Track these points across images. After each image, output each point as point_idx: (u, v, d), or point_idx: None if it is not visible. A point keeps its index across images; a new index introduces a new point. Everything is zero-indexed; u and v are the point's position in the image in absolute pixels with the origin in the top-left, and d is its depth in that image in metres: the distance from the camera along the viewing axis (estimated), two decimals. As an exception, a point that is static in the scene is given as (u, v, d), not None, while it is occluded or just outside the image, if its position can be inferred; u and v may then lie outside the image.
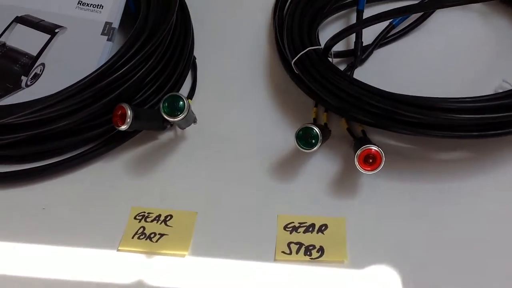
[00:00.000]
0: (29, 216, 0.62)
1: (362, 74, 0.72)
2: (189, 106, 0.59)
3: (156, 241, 0.59)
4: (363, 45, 0.73)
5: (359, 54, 0.72)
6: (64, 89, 0.62)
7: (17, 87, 0.70)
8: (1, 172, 0.64)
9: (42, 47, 0.72)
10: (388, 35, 0.76)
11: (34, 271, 0.58)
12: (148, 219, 0.61)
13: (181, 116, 0.59)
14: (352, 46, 0.73)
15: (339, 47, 0.74)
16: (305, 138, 0.60)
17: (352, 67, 0.71)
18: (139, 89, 0.68)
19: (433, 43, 0.77)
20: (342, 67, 0.72)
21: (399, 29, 0.77)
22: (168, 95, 0.59)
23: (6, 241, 0.60)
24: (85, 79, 0.62)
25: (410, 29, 0.77)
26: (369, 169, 0.58)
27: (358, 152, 0.58)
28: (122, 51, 0.65)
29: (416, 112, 0.58)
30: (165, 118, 0.60)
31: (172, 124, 0.68)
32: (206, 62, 0.75)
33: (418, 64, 0.74)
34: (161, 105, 0.59)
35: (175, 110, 0.59)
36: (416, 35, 0.77)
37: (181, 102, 0.59)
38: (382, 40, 0.75)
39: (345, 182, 0.63)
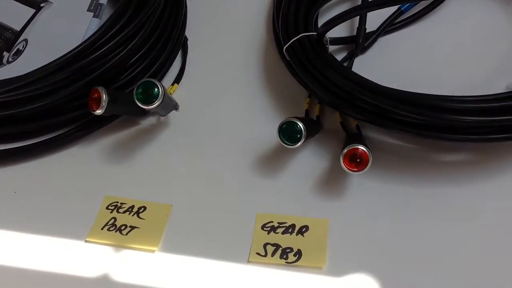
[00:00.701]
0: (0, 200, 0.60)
1: (363, 63, 0.67)
2: (164, 93, 0.55)
3: (126, 234, 0.56)
4: (367, 31, 0.68)
5: (361, 42, 0.66)
6: (40, 68, 0.59)
7: (-2, 63, 0.67)
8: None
9: (26, 22, 0.69)
10: (396, 21, 0.70)
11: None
12: (120, 210, 0.58)
13: (156, 104, 0.55)
14: (355, 32, 0.68)
15: (340, 32, 0.69)
16: (289, 133, 0.55)
17: (352, 55, 0.66)
18: (123, 71, 0.64)
19: (444, 33, 0.70)
20: (341, 55, 0.67)
21: (408, 15, 0.70)
22: (142, 81, 0.55)
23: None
24: (62, 57, 0.59)
25: (420, 16, 0.70)
26: (355, 169, 0.54)
27: (344, 150, 0.54)
28: (103, 28, 0.61)
29: (411, 111, 0.53)
30: (140, 105, 0.57)
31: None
32: (198, 44, 0.71)
33: (426, 55, 0.68)
34: (134, 92, 0.55)
35: (149, 97, 0.55)
36: (426, 23, 0.71)
37: (155, 89, 0.55)
38: (388, 26, 0.69)
39: (332, 181, 0.58)
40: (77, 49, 0.59)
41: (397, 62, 0.67)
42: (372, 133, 0.61)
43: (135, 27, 0.62)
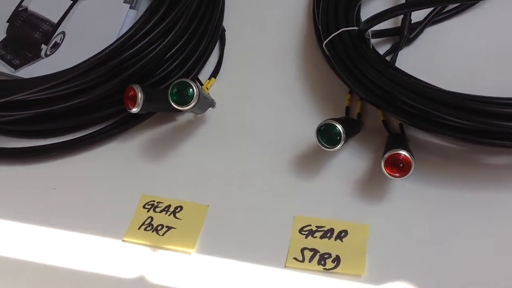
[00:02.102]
0: (39, 196, 0.60)
1: (407, 56, 0.64)
2: (199, 93, 0.54)
3: (163, 235, 0.56)
4: (412, 22, 0.64)
5: (406, 34, 0.63)
6: (77, 65, 0.58)
7: (36, 56, 0.67)
8: (11, 148, 0.62)
9: (64, 14, 0.68)
10: (444, 10, 0.66)
11: (36, 255, 0.56)
12: (157, 209, 0.57)
13: (191, 105, 0.54)
14: (399, 23, 0.65)
15: (383, 24, 0.66)
16: (328, 135, 0.54)
17: (396, 48, 0.63)
18: (159, 66, 0.63)
19: (498, 23, 0.65)
20: (384, 48, 0.64)
21: (457, 4, 0.66)
22: (176, 81, 0.54)
23: (12, 220, 0.58)
24: (99, 55, 0.58)
25: (471, 4, 0.67)
26: (397, 175, 0.52)
27: (386, 155, 0.51)
28: (138, 24, 0.60)
29: (456, 116, 0.51)
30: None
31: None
32: (235, 36, 0.69)
33: (476, 47, 0.64)
34: (168, 92, 0.54)
35: (184, 97, 0.54)
36: (477, 13, 0.67)
37: (190, 90, 0.54)
38: (436, 16, 0.66)
39: (373, 184, 0.56)
40: (113, 46, 0.58)
41: (444, 55, 0.64)
42: (416, 133, 0.58)
43: (172, 20, 0.61)
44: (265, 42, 0.68)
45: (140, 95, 0.56)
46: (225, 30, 0.69)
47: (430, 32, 0.66)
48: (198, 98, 0.54)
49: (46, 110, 0.59)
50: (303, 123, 0.61)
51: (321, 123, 0.54)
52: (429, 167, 0.56)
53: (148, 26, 0.59)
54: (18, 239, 0.57)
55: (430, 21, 0.65)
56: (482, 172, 0.56)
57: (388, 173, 0.52)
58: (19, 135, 0.63)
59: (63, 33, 0.67)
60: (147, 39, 0.59)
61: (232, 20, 0.70)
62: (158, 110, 0.62)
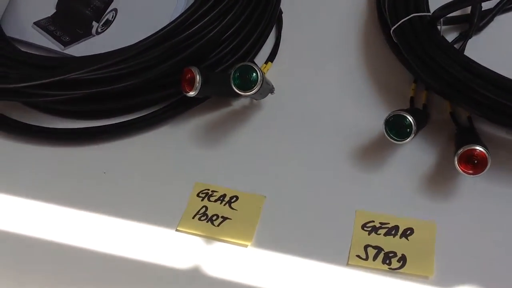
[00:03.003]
0: (88, 180, 0.58)
1: (476, 45, 0.60)
2: (263, 79, 0.51)
3: (218, 225, 0.53)
4: (482, 9, 0.61)
5: (476, 22, 0.60)
6: (133, 45, 0.55)
7: (87, 33, 0.64)
8: (59, 129, 0.60)
9: (117, -11, 0.65)
10: (516, -3, 0.63)
11: (87, 241, 0.54)
12: (211, 198, 0.55)
13: (254, 90, 0.51)
14: (467, 10, 0.61)
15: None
16: (396, 127, 0.51)
17: (465, 37, 0.60)
18: (214, 47, 0.60)
19: None
20: (452, 36, 0.61)
21: (530, -8, 0.63)
22: (240, 64, 0.51)
23: (61, 204, 0.56)
24: (156, 34, 0.55)
25: (544, -8, 0.63)
26: (471, 172, 0.49)
27: (460, 151, 0.48)
28: (197, 3, 0.57)
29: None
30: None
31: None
32: (293, 18, 0.66)
33: None
34: (231, 76, 0.52)
35: (247, 82, 0.51)
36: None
37: (254, 74, 0.51)
38: (508, 4, 0.62)
39: (440, 179, 0.53)
40: (170, 26, 0.55)
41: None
42: (485, 126, 0.55)
43: (231, 1, 0.58)
44: (323, 27, 0.65)
45: (198, 77, 0.53)
46: (282, 12, 0.66)
47: (500, 20, 0.63)
48: (262, 84, 0.51)
49: (98, 90, 0.57)
50: (365, 113, 0.58)
51: (389, 114, 0.51)
52: (501, 164, 0.53)
53: (207, 6, 0.57)
54: (68, 225, 0.55)
55: (501, 9, 0.62)
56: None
57: (462, 170, 0.49)
58: (68, 115, 0.61)
59: (115, 10, 0.64)
60: (205, 19, 0.56)
61: (290, 3, 0.67)
62: (216, 95, 0.60)
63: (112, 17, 0.64)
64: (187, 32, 0.56)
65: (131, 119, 0.60)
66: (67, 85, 0.56)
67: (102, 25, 0.64)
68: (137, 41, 0.57)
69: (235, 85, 0.52)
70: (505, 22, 0.62)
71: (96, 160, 0.59)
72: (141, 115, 0.60)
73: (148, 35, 0.58)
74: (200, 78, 0.53)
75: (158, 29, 0.60)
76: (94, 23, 0.64)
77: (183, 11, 0.63)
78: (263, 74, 0.51)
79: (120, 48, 0.56)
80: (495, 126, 0.55)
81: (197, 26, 0.56)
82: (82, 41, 0.64)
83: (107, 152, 0.59)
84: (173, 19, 0.62)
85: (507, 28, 0.62)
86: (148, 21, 0.63)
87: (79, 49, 0.64)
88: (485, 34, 0.62)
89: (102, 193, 0.57)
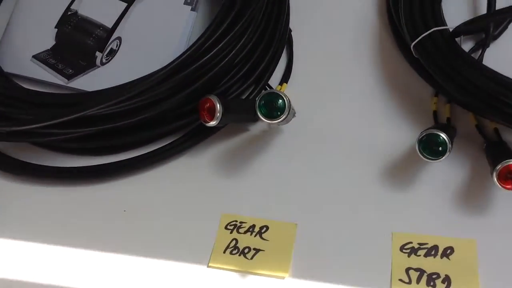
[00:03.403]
0: (108, 220, 0.55)
1: (493, 55, 0.59)
2: (290, 104, 0.50)
3: (251, 258, 0.51)
4: (495, 17, 0.60)
5: (491, 30, 0.59)
6: (145, 78, 0.53)
7: (91, 65, 0.62)
8: (75, 168, 0.57)
9: (118, 18, 0.63)
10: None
11: (115, 285, 0.51)
12: (240, 230, 0.53)
13: (282, 118, 0.50)
14: (480, 19, 0.61)
15: (463, 18, 0.62)
16: (429, 145, 0.50)
17: (482, 46, 0.59)
18: (226, 74, 0.58)
19: None
20: (467, 47, 0.60)
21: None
22: (264, 92, 0.50)
23: (83, 248, 0.53)
24: (170, 65, 0.53)
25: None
26: (509, 186, 0.48)
27: (498, 167, 0.47)
28: (211, 28, 0.55)
29: None
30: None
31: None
32: (303, 36, 0.64)
33: None
34: (256, 105, 0.50)
35: (273, 110, 0.50)
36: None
37: (280, 101, 0.50)
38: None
39: (474, 194, 0.53)
40: (186, 54, 0.53)
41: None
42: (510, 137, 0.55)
43: (245, 24, 0.56)
44: (334, 44, 0.63)
45: (218, 106, 0.51)
46: (291, 30, 0.64)
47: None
48: (290, 110, 0.49)
49: (113, 126, 0.54)
50: (389, 130, 0.57)
51: (421, 133, 0.50)
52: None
53: (220, 32, 0.55)
54: (93, 269, 0.52)
55: (513, 15, 0.61)
56: None
57: (502, 186, 0.48)
58: (82, 152, 0.58)
59: (119, 38, 0.62)
60: (221, 45, 0.54)
61: (298, 22, 0.65)
62: (236, 122, 0.58)
63: (116, 46, 0.62)
64: (202, 61, 0.54)
65: (147, 152, 0.57)
66: (81, 122, 0.54)
67: (107, 55, 0.61)
68: (143, 69, 0.55)
69: (261, 114, 0.50)
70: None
71: (114, 198, 0.56)
72: (158, 147, 0.57)
73: (155, 62, 0.57)
74: (221, 107, 0.51)
75: (165, 55, 0.58)
76: (97, 53, 0.62)
77: (189, 33, 0.62)
78: (289, 100, 0.50)
79: (135, 81, 0.53)
80: (522, 136, 0.54)
81: (211, 54, 0.54)
82: (86, 73, 0.61)
83: (125, 189, 0.57)
84: (181, 42, 0.61)
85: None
86: (155, 48, 0.61)
87: (84, 82, 0.61)
88: (501, 42, 0.61)
89: (124, 234, 0.54)
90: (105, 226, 0.55)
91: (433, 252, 0.50)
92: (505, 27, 0.60)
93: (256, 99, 0.50)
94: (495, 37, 0.61)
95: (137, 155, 0.57)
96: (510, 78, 0.51)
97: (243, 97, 0.59)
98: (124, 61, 0.61)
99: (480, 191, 0.53)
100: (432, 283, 0.48)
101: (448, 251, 0.50)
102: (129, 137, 0.57)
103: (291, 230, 0.53)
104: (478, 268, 0.48)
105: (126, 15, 0.62)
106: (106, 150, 0.58)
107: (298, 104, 0.58)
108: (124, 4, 0.63)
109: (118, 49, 0.62)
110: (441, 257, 0.50)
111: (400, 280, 0.49)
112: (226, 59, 0.56)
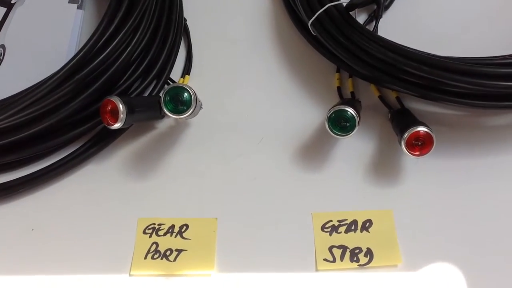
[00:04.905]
0: (16, 242, 0.51)
1: (386, 26, 0.60)
2: (196, 97, 0.48)
3: (174, 260, 0.50)
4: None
5: (383, 1, 0.60)
6: (43, 82, 0.50)
7: (-26, 78, 0.57)
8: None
9: (-2, 24, 0.58)
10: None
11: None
12: (160, 233, 0.51)
13: (190, 111, 0.48)
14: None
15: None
16: (338, 122, 0.50)
17: (376, 17, 0.60)
18: (124, 71, 0.56)
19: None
20: (361, 20, 0.61)
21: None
22: (169, 87, 0.48)
23: (-7, 275, 0.50)
24: (65, 68, 0.50)
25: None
26: (417, 153, 0.49)
27: (405, 135, 0.49)
28: (103, 25, 0.52)
29: (471, 83, 0.48)
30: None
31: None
32: (198, 26, 0.63)
33: (460, 8, 0.63)
34: (162, 101, 0.48)
35: (179, 104, 0.48)
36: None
37: (185, 94, 0.48)
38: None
39: (384, 166, 0.54)
40: (79, 55, 0.50)
41: (424, 20, 0.62)
42: (414, 103, 0.56)
43: (138, 16, 0.53)
44: (231, 30, 0.63)
45: (121, 107, 0.49)
46: (186, 20, 0.62)
47: (401, -4, 0.64)
48: (196, 102, 0.48)
49: (10, 140, 0.50)
50: (296, 111, 0.57)
51: (329, 111, 0.50)
52: (437, 138, 0.54)
53: (113, 27, 0.52)
54: (8, 297, 0.49)
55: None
56: (488, 134, 0.55)
57: (410, 153, 0.49)
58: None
59: (3, 46, 0.57)
60: (115, 42, 0.52)
61: (192, 10, 0.63)
62: (142, 121, 0.55)
63: (0, 55, 0.57)
64: (97, 60, 0.51)
65: (50, 164, 0.54)
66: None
67: (-9, 65, 0.57)
68: (34, 75, 0.51)
69: (168, 110, 0.48)
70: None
71: (19, 217, 0.52)
72: (60, 157, 0.54)
73: (46, 66, 0.53)
74: (124, 108, 0.49)
75: (56, 58, 0.55)
76: (-20, 64, 0.57)
77: (79, 33, 0.59)
78: (195, 92, 0.48)
79: (27, 89, 0.50)
80: (423, 102, 0.56)
81: (106, 52, 0.51)
82: (-30, 87, 0.56)
83: (30, 206, 0.53)
84: (71, 43, 0.58)
85: (413, 3, 0.63)
86: (44, 52, 0.57)
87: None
88: (392, 12, 0.62)
89: (36, 253, 0.51)
90: (14, 248, 0.51)
91: (353, 227, 0.51)
92: (395, -3, 0.62)
93: (160, 94, 0.48)
94: (387, 7, 0.62)
95: (39, 168, 0.54)
96: (405, 46, 0.52)
97: (146, 94, 0.57)
98: (12, 70, 0.57)
99: (391, 160, 0.54)
100: (355, 258, 0.49)
101: (367, 224, 0.51)
102: (28, 150, 0.53)
103: (212, 225, 0.51)
104: (398, 236, 0.50)
105: (6, 20, 0.58)
106: (4, 166, 0.54)
107: (203, 95, 0.56)
108: (3, 9, 0.58)
109: (3, 58, 0.57)
110: (361, 231, 0.50)
111: (325, 259, 0.49)
112: (123, 56, 0.53)
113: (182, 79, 0.59)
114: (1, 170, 0.54)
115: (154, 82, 0.58)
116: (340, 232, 0.51)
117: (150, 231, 0.51)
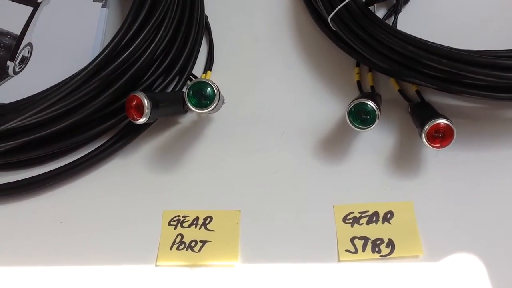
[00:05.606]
0: (45, 234, 0.53)
1: (405, 20, 0.61)
2: (219, 91, 0.49)
3: (199, 251, 0.51)
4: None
5: (401, -4, 0.61)
6: (69, 79, 0.51)
7: (3, 75, 0.59)
8: (3, 184, 0.54)
9: (26, 23, 0.60)
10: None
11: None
12: (184, 224, 0.53)
13: (213, 106, 0.49)
14: (388, -14, 0.63)
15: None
16: (359, 115, 0.51)
17: (395, 12, 0.61)
18: (148, 68, 0.57)
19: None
20: (380, 15, 0.61)
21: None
22: (192, 82, 0.49)
23: (22, 265, 0.51)
24: (91, 65, 0.51)
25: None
26: (438, 145, 0.50)
27: (426, 128, 0.49)
28: (127, 23, 0.53)
29: (490, 75, 0.49)
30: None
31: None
32: (219, 21, 0.64)
33: (478, 1, 0.63)
34: (186, 96, 0.49)
35: (202, 99, 0.49)
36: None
37: (208, 89, 0.49)
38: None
39: (405, 158, 0.54)
40: (104, 53, 0.51)
41: (445, 14, 0.62)
42: (434, 97, 0.57)
43: (160, 16, 0.55)
44: (252, 26, 0.64)
45: (146, 102, 0.50)
46: (207, 17, 0.63)
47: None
48: (219, 97, 0.49)
49: (38, 136, 0.52)
50: (317, 105, 0.58)
51: (350, 104, 0.50)
52: (457, 130, 0.54)
53: (137, 25, 0.53)
54: (41, 285, 0.50)
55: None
56: (510, 127, 0.55)
57: (431, 145, 0.50)
58: (7, 167, 0.55)
59: (30, 44, 0.59)
60: (139, 39, 0.53)
61: (212, 7, 0.64)
62: (166, 116, 0.56)
63: (28, 53, 0.59)
64: (122, 57, 0.52)
65: (77, 159, 0.55)
66: (2, 136, 0.51)
67: (19, 63, 0.58)
68: (61, 72, 0.53)
69: (192, 104, 0.49)
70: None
71: (48, 210, 0.54)
72: (87, 152, 0.56)
73: (72, 64, 0.54)
74: (149, 103, 0.50)
75: (82, 56, 0.57)
76: (9, 62, 0.59)
77: (103, 31, 0.60)
78: (217, 87, 0.49)
79: (55, 86, 0.51)
80: (443, 95, 0.56)
81: (131, 49, 0.52)
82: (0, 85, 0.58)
83: (58, 199, 0.54)
84: (96, 41, 0.59)
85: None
86: (69, 49, 0.59)
87: (-2, 94, 0.58)
88: (411, 7, 0.63)
89: (64, 245, 0.52)
90: (44, 240, 0.52)
91: (374, 219, 0.51)
92: (416, -9, 0.62)
93: (184, 90, 0.49)
94: (405, 2, 0.62)
95: (67, 162, 0.55)
96: (424, 40, 0.53)
97: (169, 89, 0.58)
98: (39, 67, 0.58)
99: (411, 153, 0.54)
100: (377, 249, 0.50)
101: (388, 215, 0.51)
102: (55, 145, 0.55)
103: (235, 217, 0.53)
104: (418, 228, 0.50)
105: (33, 19, 0.60)
106: (33, 161, 0.55)
107: (225, 90, 0.57)
108: (30, 9, 0.60)
109: (30, 55, 0.59)
110: (383, 223, 0.51)
111: (347, 250, 0.50)
112: (147, 53, 0.55)
113: (204, 74, 0.60)
114: (30, 165, 0.56)
115: (177, 78, 0.59)
116: (362, 224, 0.51)
117: (175, 223, 0.53)
